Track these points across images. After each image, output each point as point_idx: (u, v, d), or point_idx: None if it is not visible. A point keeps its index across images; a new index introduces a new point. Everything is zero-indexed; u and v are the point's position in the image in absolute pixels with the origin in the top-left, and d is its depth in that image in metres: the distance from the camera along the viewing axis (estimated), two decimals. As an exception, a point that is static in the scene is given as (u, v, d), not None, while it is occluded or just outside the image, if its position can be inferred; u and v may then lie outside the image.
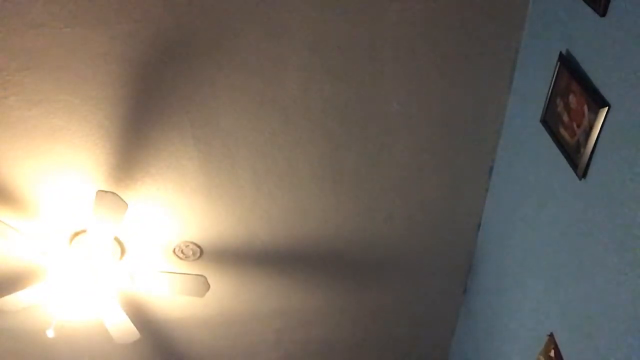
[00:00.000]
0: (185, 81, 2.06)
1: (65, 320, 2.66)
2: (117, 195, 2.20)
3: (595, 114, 1.39)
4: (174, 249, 2.71)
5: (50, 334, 2.48)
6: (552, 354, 1.69)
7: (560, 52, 1.61)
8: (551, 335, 1.71)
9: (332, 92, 2.13)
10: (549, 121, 1.70)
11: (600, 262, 1.43)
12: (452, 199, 2.53)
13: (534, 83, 1.87)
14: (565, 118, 1.57)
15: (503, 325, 2.30)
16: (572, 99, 1.53)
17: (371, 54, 2.01)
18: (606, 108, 1.35)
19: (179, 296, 2.91)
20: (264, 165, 2.36)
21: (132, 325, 2.76)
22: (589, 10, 1.42)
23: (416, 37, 1.97)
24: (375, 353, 3.61)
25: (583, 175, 1.49)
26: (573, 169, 1.53)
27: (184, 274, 2.56)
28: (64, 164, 2.28)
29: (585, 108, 1.45)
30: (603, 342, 1.40)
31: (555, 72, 1.63)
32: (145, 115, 2.15)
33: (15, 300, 2.61)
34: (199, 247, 2.70)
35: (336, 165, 2.38)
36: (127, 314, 2.76)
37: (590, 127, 1.41)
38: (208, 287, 2.60)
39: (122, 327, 2.77)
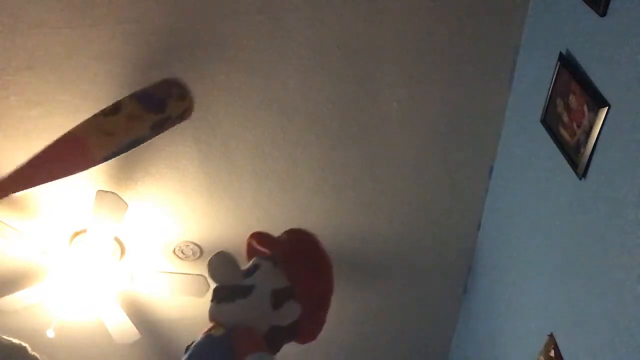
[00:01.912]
0: (185, 81, 2.05)
1: (65, 320, 2.66)
2: (117, 195, 2.20)
3: (595, 114, 1.39)
4: (174, 249, 2.71)
5: (50, 334, 2.48)
6: (552, 354, 1.69)
7: (560, 52, 1.60)
8: (551, 335, 1.71)
9: (332, 92, 2.13)
10: (549, 121, 1.70)
11: (600, 261, 1.43)
12: (452, 199, 2.53)
13: (534, 83, 1.87)
14: (565, 118, 1.57)
15: (503, 325, 2.30)
16: (572, 99, 1.53)
17: (371, 53, 2.01)
18: (606, 108, 1.35)
19: (179, 296, 2.91)
20: (264, 165, 2.36)
21: (132, 325, 2.76)
22: (589, 10, 1.41)
23: (416, 37, 1.97)
24: (375, 353, 3.60)
25: (583, 175, 1.49)
26: (573, 168, 1.53)
27: (184, 274, 2.56)
28: (64, 164, 2.28)
29: (585, 108, 1.45)
30: (603, 342, 1.40)
31: (555, 72, 1.63)
32: (145, 115, 2.15)
33: (15, 300, 2.61)
34: (199, 247, 2.70)
35: (336, 166, 2.38)
36: (127, 314, 2.76)
37: (590, 127, 1.41)
38: (208, 287, 2.60)
39: (122, 327, 2.77)
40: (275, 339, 1.21)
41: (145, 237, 2.63)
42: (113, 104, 1.08)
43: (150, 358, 3.49)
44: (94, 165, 1.05)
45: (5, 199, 2.38)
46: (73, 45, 1.91)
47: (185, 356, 1.15)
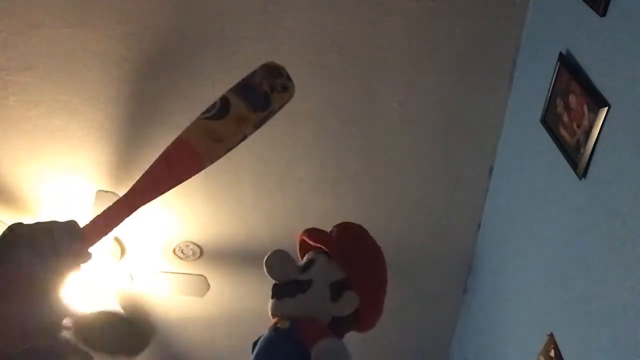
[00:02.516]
0: (185, 81, 2.05)
1: (65, 320, 2.66)
2: (117, 195, 2.20)
3: (595, 114, 1.39)
4: (174, 249, 2.71)
5: (50, 334, 2.48)
6: (552, 354, 1.69)
7: (560, 52, 1.60)
8: (551, 335, 1.71)
9: (331, 92, 2.13)
10: (549, 121, 1.70)
11: (600, 261, 1.43)
12: (452, 199, 2.53)
13: (534, 83, 1.87)
14: (565, 118, 1.57)
15: (503, 325, 2.30)
16: (572, 99, 1.53)
17: (371, 54, 2.01)
18: (606, 108, 1.35)
19: (179, 296, 2.91)
20: (264, 165, 2.36)
21: (132, 325, 2.76)
22: (589, 10, 1.41)
23: (416, 37, 1.97)
24: (375, 353, 3.60)
25: (583, 175, 1.49)
26: (573, 169, 1.53)
27: (184, 274, 2.56)
28: (64, 164, 2.28)
29: (585, 108, 1.45)
30: (603, 342, 1.40)
31: (555, 72, 1.62)
32: (145, 115, 2.15)
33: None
34: (199, 247, 2.70)
35: (336, 165, 2.38)
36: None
37: (590, 127, 1.41)
38: (208, 287, 2.60)
39: (122, 327, 2.77)
40: (338, 328, 1.25)
41: (145, 237, 2.63)
42: (220, 104, 1.00)
43: (150, 358, 3.49)
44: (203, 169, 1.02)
45: (5, 198, 2.38)
46: (73, 45, 1.91)
47: (255, 351, 1.17)
